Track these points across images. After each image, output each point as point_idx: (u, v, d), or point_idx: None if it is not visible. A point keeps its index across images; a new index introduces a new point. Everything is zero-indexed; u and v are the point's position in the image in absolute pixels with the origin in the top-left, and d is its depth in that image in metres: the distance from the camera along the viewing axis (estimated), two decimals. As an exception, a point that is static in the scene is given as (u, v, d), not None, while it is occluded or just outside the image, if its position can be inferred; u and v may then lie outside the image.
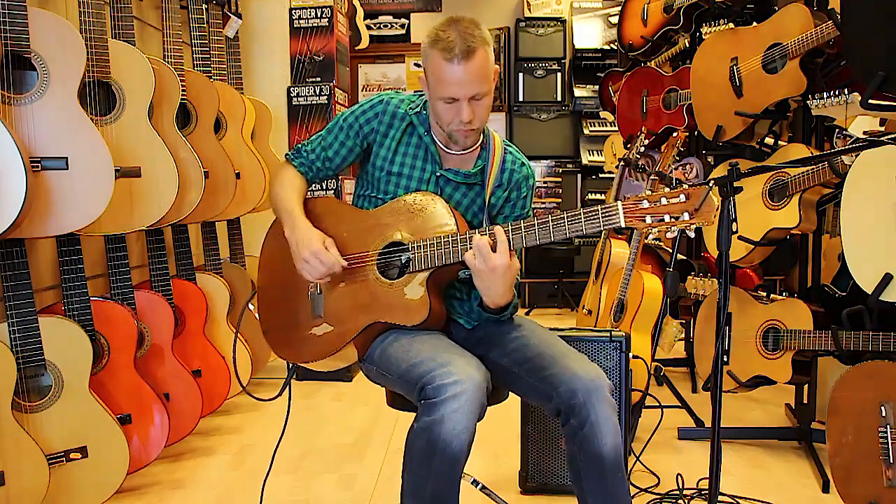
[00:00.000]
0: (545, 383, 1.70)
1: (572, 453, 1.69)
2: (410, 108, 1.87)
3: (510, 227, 1.66)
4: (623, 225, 1.58)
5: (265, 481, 2.12)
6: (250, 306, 2.20)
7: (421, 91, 1.88)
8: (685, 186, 1.55)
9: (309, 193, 1.97)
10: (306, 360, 1.86)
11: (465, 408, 1.54)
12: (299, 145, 1.98)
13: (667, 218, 1.55)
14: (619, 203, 1.58)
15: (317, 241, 1.78)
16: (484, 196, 1.87)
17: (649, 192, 1.58)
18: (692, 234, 1.61)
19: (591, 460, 1.65)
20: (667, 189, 1.57)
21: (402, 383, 1.69)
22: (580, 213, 1.61)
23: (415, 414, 1.63)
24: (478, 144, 1.89)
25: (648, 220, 1.56)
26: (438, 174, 1.86)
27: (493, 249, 1.64)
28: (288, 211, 1.85)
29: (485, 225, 1.86)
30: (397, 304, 1.76)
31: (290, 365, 1.95)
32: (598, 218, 1.59)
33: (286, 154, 2.00)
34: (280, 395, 1.99)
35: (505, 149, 1.91)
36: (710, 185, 1.54)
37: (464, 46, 1.66)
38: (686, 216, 1.54)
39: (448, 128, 1.78)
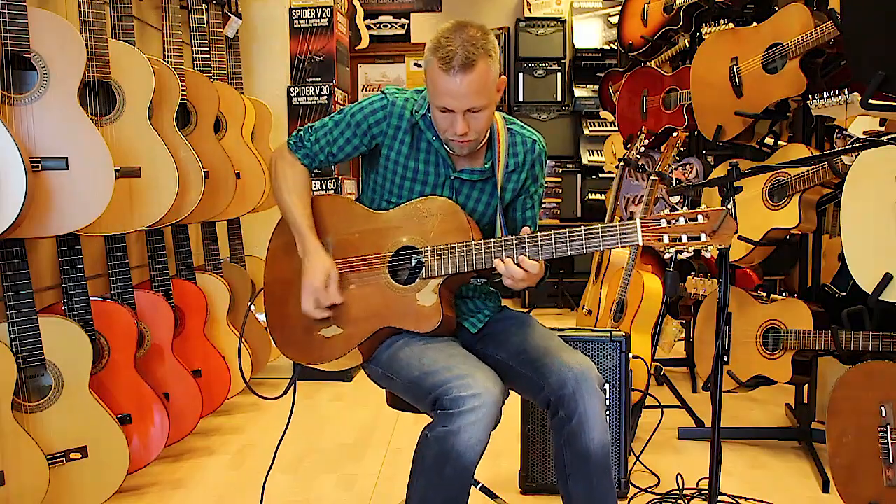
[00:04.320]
0: (537, 374, 1.71)
1: (559, 448, 1.69)
2: (416, 110, 1.81)
3: (527, 240, 1.64)
4: (640, 244, 1.58)
5: (265, 480, 2.12)
6: (251, 306, 2.19)
7: (422, 88, 1.83)
8: (704, 207, 1.56)
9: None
10: (314, 361, 1.84)
11: (483, 421, 1.54)
12: (302, 132, 1.90)
13: (684, 238, 1.56)
14: (639, 221, 1.58)
15: (320, 277, 1.77)
16: (497, 189, 1.85)
17: (668, 211, 1.58)
18: (708, 255, 1.61)
19: (578, 455, 1.65)
20: (686, 209, 1.57)
21: (412, 390, 1.67)
22: (598, 229, 1.60)
23: (414, 414, 1.63)
24: (485, 141, 1.84)
25: (666, 239, 1.57)
26: (453, 177, 1.83)
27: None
28: (300, 231, 1.82)
29: (498, 221, 1.85)
30: (409, 310, 1.74)
31: (296, 365, 1.94)
32: (617, 235, 1.59)
33: (288, 141, 1.92)
34: (285, 394, 1.97)
35: (510, 130, 1.86)
36: (729, 207, 1.56)
37: (463, 58, 1.61)
38: (703, 237, 1.55)
39: (443, 135, 1.76)
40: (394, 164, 1.84)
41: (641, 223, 1.57)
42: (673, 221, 1.56)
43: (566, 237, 1.62)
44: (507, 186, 1.87)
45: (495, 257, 1.66)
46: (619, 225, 1.58)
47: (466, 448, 1.53)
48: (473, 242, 1.69)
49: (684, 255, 1.59)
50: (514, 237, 1.66)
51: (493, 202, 1.86)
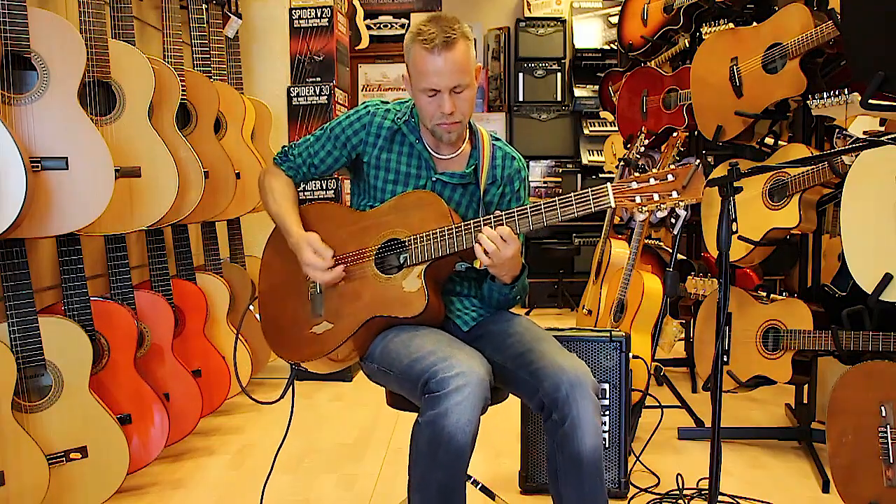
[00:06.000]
0: (532, 376, 1.72)
1: (551, 451, 1.71)
2: (398, 118, 1.89)
3: (504, 215, 1.69)
4: (613, 205, 1.62)
5: (266, 482, 2.12)
6: (251, 307, 2.20)
7: (404, 100, 1.91)
8: (672, 167, 1.61)
9: (309, 194, 1.99)
10: (306, 358, 1.86)
11: (469, 400, 1.55)
12: (287, 147, 2.01)
13: (656, 196, 1.60)
14: (609, 185, 1.62)
15: (307, 250, 1.83)
16: (479, 194, 1.90)
17: (637, 175, 1.62)
18: (682, 212, 1.64)
19: (570, 460, 1.66)
20: (655, 170, 1.62)
21: (404, 379, 1.69)
22: (571, 197, 1.65)
23: (415, 413, 1.63)
24: (467, 143, 1.91)
25: (638, 199, 1.61)
26: (434, 179, 1.88)
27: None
28: (287, 229, 1.90)
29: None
30: (395, 296, 1.78)
31: (293, 367, 1.95)
32: (589, 200, 1.63)
33: (275, 157, 2.03)
34: (282, 397, 1.99)
35: (493, 145, 1.94)
36: (697, 163, 1.60)
37: (444, 38, 1.71)
38: (674, 194, 1.59)
39: (431, 122, 1.80)
40: (375, 168, 1.90)
41: (612, 186, 1.62)
42: (644, 182, 1.61)
43: (541, 209, 1.67)
44: (485, 199, 1.92)
45: (475, 235, 1.71)
46: (591, 190, 1.63)
47: (456, 429, 1.54)
48: (454, 225, 1.74)
49: (661, 214, 1.63)
50: (492, 215, 1.71)
51: (473, 205, 1.91)
